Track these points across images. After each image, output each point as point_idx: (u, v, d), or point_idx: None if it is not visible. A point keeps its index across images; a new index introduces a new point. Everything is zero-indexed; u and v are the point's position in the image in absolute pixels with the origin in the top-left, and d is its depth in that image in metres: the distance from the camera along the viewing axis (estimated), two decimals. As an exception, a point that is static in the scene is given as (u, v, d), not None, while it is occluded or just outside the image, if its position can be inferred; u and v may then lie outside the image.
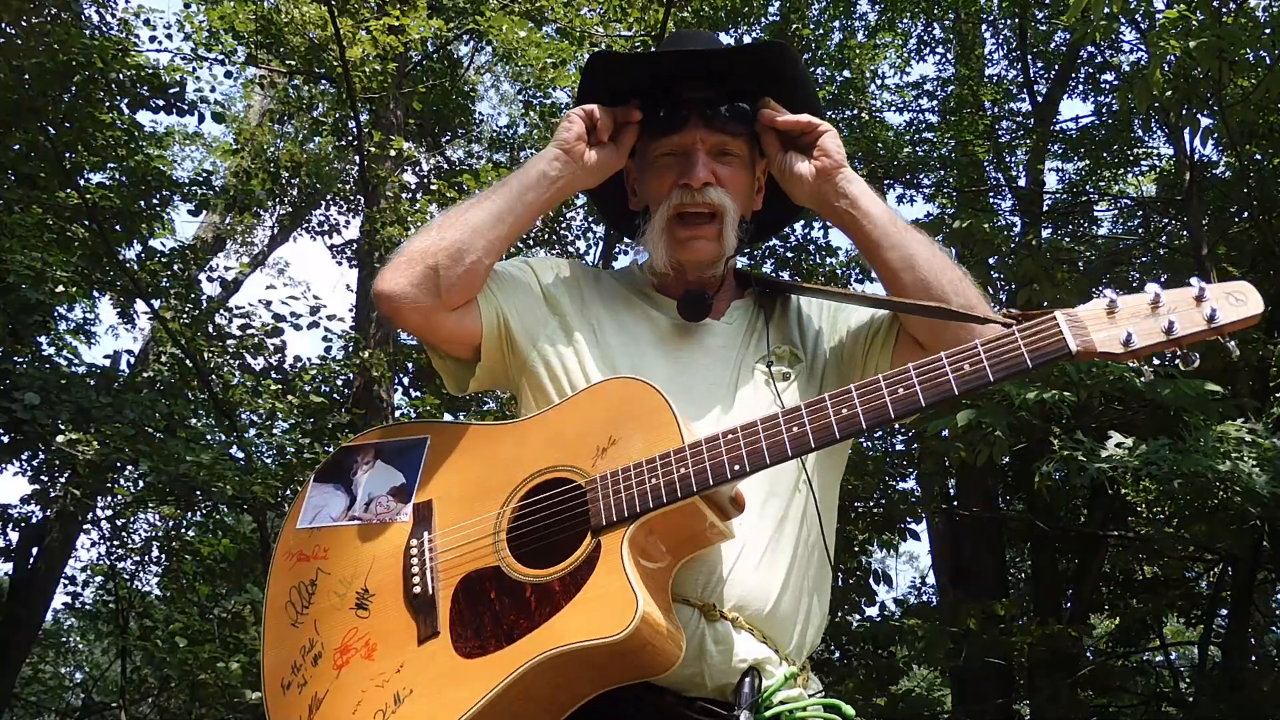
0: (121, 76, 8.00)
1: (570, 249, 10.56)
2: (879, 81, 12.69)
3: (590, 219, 10.47)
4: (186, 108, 8.27)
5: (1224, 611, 10.12)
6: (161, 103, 8.14)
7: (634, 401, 1.49)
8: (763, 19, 11.69)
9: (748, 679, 1.48)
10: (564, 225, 10.09)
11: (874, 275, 1.71)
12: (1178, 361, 1.32)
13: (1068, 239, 11.10)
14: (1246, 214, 8.59)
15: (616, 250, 9.51)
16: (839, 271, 12.37)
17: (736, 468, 1.39)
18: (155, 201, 8.68)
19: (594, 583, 1.38)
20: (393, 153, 9.49)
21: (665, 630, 1.36)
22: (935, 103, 12.40)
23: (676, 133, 1.71)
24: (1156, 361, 1.35)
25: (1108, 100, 11.30)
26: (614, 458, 1.46)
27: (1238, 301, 1.28)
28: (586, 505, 1.44)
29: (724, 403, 1.65)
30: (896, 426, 8.55)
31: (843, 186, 1.68)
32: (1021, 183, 11.49)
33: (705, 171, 1.68)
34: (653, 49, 1.96)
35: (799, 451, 1.39)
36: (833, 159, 1.68)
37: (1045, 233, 10.94)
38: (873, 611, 9.62)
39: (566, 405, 1.58)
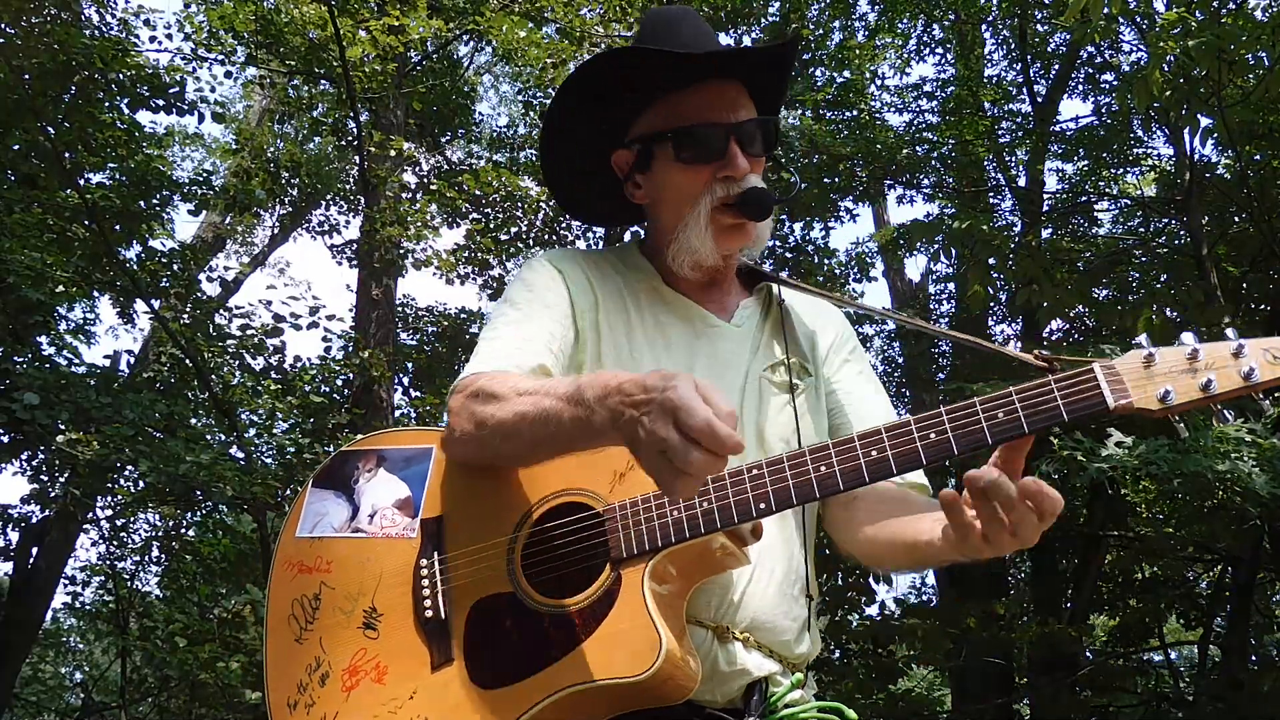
0: (121, 76, 8.01)
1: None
2: (879, 82, 12.71)
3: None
4: (186, 108, 8.28)
5: (1224, 611, 10.12)
6: (161, 103, 8.15)
7: None
8: (763, 19, 11.70)
9: (756, 688, 1.51)
10: (564, 225, 10.08)
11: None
12: (1213, 419, 1.32)
13: (1068, 239, 11.10)
14: (1246, 214, 8.59)
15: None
16: (836, 271, 12.38)
17: (762, 505, 1.37)
18: (155, 201, 8.69)
19: (616, 617, 1.36)
20: (393, 153, 9.49)
21: (685, 663, 1.36)
22: (935, 103, 12.41)
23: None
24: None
25: (1108, 100, 11.31)
26: (632, 484, 1.43)
27: (1275, 359, 1.26)
28: (604, 534, 1.42)
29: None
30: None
31: None
32: (1021, 183, 11.49)
33: (745, 160, 1.66)
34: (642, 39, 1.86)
35: (827, 493, 1.36)
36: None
37: (1045, 233, 10.94)
38: (873, 611, 9.63)
39: None
